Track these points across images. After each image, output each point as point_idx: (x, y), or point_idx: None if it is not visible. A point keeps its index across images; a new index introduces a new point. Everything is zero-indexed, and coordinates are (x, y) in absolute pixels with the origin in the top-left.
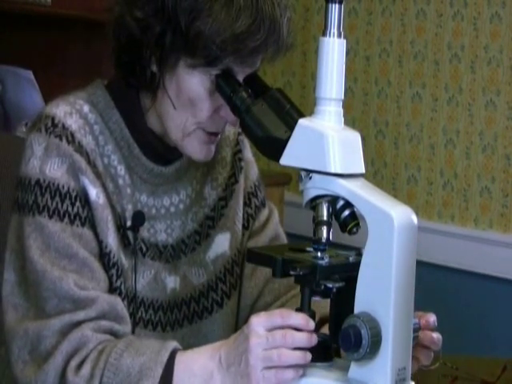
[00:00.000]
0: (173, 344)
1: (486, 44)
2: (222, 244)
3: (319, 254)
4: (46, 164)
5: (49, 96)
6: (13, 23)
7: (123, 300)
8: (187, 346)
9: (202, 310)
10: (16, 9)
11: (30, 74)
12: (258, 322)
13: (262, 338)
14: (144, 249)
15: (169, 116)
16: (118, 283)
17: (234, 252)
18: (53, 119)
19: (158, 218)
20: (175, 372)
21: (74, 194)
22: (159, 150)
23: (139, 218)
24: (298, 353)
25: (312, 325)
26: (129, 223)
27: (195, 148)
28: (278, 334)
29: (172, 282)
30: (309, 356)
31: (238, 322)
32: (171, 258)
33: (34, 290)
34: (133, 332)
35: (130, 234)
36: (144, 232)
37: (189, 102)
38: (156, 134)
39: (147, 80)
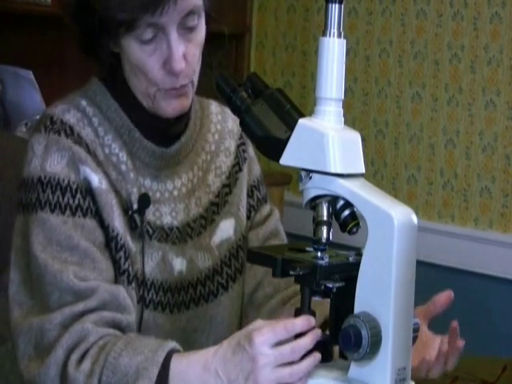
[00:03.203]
0: (171, 344)
1: (485, 44)
2: (226, 229)
3: (319, 253)
4: (47, 161)
5: (49, 96)
6: (13, 23)
7: (132, 282)
8: (193, 328)
9: (208, 293)
10: (16, 9)
11: (30, 74)
12: (263, 342)
13: (270, 358)
14: (150, 231)
15: (134, 87)
16: (126, 266)
17: (239, 237)
18: (51, 118)
19: (162, 201)
20: (171, 377)
21: (74, 187)
22: (158, 127)
23: (145, 200)
24: (309, 362)
25: (313, 321)
26: (135, 206)
27: (164, 106)
28: (285, 350)
29: (179, 264)
30: (318, 356)
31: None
32: (178, 240)
33: (37, 285)
34: (141, 314)
35: (136, 217)
36: (150, 215)
37: (138, 69)
38: (150, 111)
39: (109, 61)
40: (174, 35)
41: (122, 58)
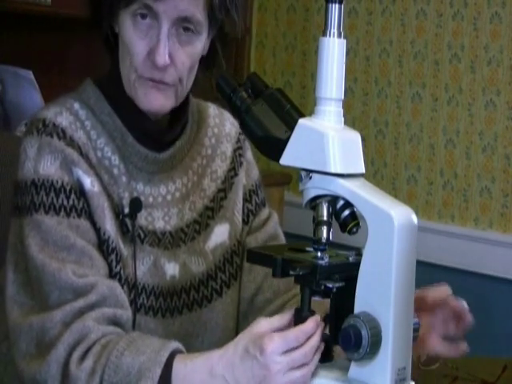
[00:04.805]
0: (174, 345)
1: (485, 44)
2: (221, 234)
3: (319, 254)
4: (40, 163)
5: (49, 96)
6: (13, 23)
7: (123, 286)
8: (186, 333)
9: (202, 298)
10: (16, 9)
11: (30, 74)
12: (275, 350)
13: (283, 364)
14: (142, 235)
15: (121, 72)
16: (118, 269)
17: (234, 242)
18: (43, 121)
19: (155, 206)
20: (174, 380)
21: (68, 188)
22: (152, 133)
23: (136, 204)
24: (316, 358)
25: (319, 318)
26: (126, 210)
27: (141, 96)
28: (297, 356)
29: (171, 269)
30: (322, 346)
31: (239, 314)
32: (170, 245)
33: (36, 286)
34: (134, 319)
35: (128, 221)
36: (142, 219)
37: (127, 50)
38: (145, 114)
39: (111, 41)
40: (165, 28)
41: (119, 39)
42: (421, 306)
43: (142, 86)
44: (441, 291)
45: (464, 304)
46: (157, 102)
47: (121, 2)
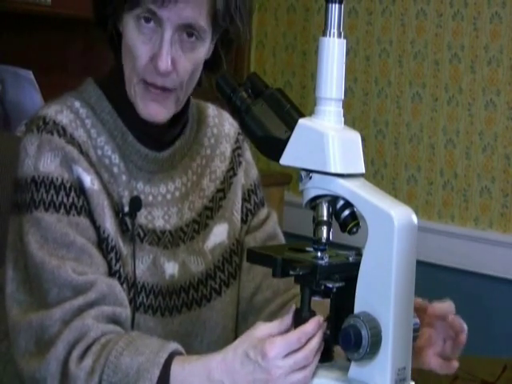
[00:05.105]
0: (173, 346)
1: (485, 44)
2: (220, 234)
3: (319, 254)
4: (40, 160)
5: (49, 96)
6: (13, 23)
7: (123, 284)
8: (185, 332)
9: (201, 298)
10: (16, 9)
11: (30, 74)
12: (277, 355)
13: (285, 368)
14: (142, 234)
15: (125, 73)
16: (117, 267)
17: (233, 242)
18: (44, 119)
19: (155, 204)
20: (172, 382)
21: (68, 185)
22: (152, 133)
23: (136, 203)
24: (316, 360)
25: (321, 319)
26: (126, 209)
27: (141, 103)
28: (299, 358)
29: (171, 268)
30: (322, 346)
31: (238, 314)
32: (170, 244)
33: (36, 284)
34: (133, 318)
35: (127, 220)
36: (141, 218)
37: (130, 53)
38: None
39: (115, 40)
40: (168, 34)
41: (122, 41)
42: (422, 318)
43: (142, 93)
44: (445, 306)
45: (463, 324)
46: (156, 113)
47: (125, 5)
